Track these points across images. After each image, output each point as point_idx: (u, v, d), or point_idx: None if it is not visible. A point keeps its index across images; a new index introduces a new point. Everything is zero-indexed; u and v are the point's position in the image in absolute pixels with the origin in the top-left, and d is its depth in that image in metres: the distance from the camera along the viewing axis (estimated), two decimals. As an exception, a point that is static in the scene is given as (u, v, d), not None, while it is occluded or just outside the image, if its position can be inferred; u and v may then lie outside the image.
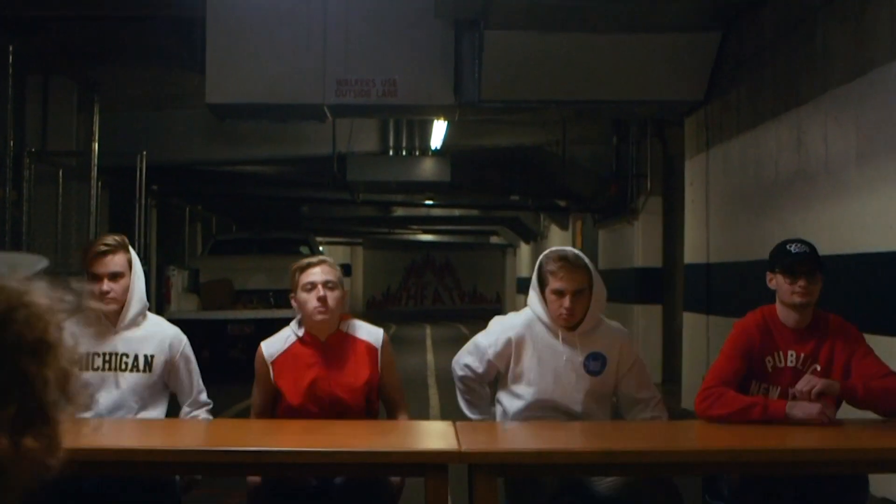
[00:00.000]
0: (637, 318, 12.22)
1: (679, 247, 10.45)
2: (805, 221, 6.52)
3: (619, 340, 3.80)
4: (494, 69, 8.47)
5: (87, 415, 3.45)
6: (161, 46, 9.75)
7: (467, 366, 3.82)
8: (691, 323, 9.34)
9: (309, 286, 3.73)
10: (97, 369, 3.71)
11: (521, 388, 3.75)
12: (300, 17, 8.59)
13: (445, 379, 10.01)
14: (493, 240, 33.57)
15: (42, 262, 1.03)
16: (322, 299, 3.71)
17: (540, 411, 3.72)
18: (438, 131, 12.55)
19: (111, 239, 3.79)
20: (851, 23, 5.99)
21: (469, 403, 3.87)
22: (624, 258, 13.19)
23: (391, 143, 13.86)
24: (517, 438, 3.60)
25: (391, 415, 3.92)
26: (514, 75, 8.56)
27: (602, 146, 13.44)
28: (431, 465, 3.06)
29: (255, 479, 3.67)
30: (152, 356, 3.77)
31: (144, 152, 12.17)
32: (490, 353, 3.77)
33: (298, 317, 3.84)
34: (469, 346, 3.87)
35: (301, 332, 3.81)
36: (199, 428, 3.77)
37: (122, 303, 3.74)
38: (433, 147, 13.61)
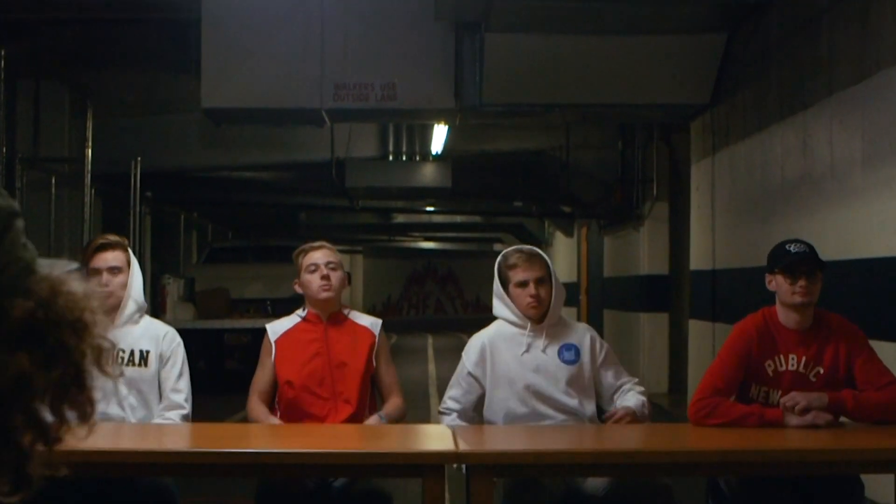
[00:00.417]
0: (643, 326, 12.04)
1: (686, 253, 10.34)
2: (811, 226, 6.47)
3: (586, 332, 3.98)
4: (496, 72, 8.36)
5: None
6: (155, 50, 9.61)
7: (451, 398, 3.91)
8: (697, 330, 9.27)
9: (312, 267, 3.99)
10: None
11: (505, 387, 3.83)
12: (297, 20, 8.48)
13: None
14: (497, 247, 33.42)
15: (72, 266, 1.21)
16: (325, 277, 3.96)
17: (529, 404, 3.78)
18: (439, 136, 12.42)
19: (112, 236, 3.93)
20: (857, 25, 5.96)
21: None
22: (630, 265, 13.04)
23: (391, 149, 13.73)
24: (514, 439, 3.68)
25: (386, 399, 4.04)
26: (516, 78, 8.47)
27: (607, 151, 13.27)
28: (428, 465, 3.14)
29: None
30: (147, 351, 3.85)
31: (139, 158, 11.99)
32: (468, 365, 3.90)
33: (303, 308, 4.09)
34: (450, 382, 4.01)
35: (304, 314, 4.06)
36: (198, 430, 3.87)
37: (119, 298, 3.81)
38: (434, 152, 13.49)
